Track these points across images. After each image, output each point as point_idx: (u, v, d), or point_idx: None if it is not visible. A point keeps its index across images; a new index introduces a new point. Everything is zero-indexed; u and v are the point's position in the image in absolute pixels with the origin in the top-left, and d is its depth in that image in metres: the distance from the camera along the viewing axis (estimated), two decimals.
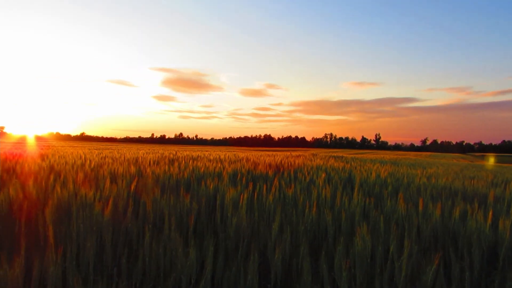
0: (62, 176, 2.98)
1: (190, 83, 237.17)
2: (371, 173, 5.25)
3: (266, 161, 6.66)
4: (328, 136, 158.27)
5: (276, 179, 3.61)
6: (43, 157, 6.34)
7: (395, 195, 3.80)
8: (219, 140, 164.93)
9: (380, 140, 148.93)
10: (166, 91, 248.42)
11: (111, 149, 17.00)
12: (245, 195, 2.53)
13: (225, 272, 1.75)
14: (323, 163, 7.27)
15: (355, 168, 6.46)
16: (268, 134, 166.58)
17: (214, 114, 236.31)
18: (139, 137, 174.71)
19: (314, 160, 8.71)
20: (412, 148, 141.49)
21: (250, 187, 3.23)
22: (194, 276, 1.68)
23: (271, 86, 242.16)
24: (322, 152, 26.33)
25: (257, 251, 2.12)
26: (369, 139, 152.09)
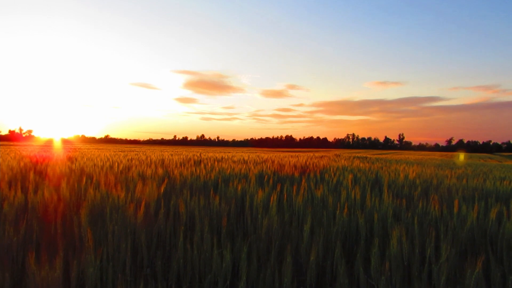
0: (94, 179, 3.04)
1: (212, 85, 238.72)
2: (399, 174, 5.16)
3: (291, 162, 6.63)
4: (350, 137, 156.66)
5: (304, 180, 3.58)
6: (72, 159, 6.49)
7: (425, 197, 3.72)
8: (241, 141, 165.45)
9: (404, 140, 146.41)
10: (188, 93, 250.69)
11: (136, 151, 17.27)
12: (275, 197, 2.52)
13: (259, 274, 1.74)
14: (349, 164, 7.19)
15: (381, 168, 6.36)
16: (289, 135, 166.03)
17: (235, 116, 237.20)
18: (162, 139, 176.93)
19: (339, 161, 8.63)
20: (437, 148, 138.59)
21: (278, 189, 3.22)
22: (229, 278, 1.68)
23: (292, 87, 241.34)
24: (344, 152, 26.06)
25: (290, 253, 2.11)
26: (392, 139, 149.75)
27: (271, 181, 3.68)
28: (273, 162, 6.92)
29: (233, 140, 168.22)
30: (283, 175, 4.70)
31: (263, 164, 6.24)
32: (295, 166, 5.90)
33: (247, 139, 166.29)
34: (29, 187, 2.83)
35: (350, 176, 4.54)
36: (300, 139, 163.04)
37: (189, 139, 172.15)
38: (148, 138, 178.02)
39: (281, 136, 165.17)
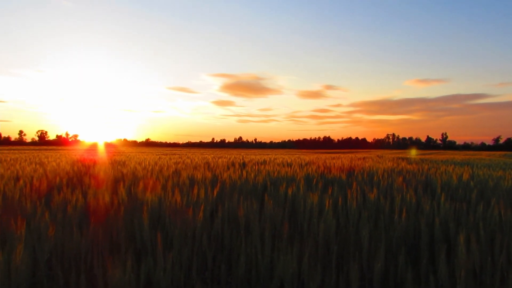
0: (150, 182, 3.12)
1: (248, 87, 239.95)
2: (450, 176, 4.97)
3: (335, 164, 6.55)
4: (390, 137, 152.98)
5: (355, 183, 3.52)
6: (120, 163, 6.70)
7: (482, 199, 3.57)
8: (278, 143, 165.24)
9: (447, 139, 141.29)
10: (225, 96, 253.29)
11: (178, 154, 17.63)
12: (330, 200, 2.49)
13: (324, 279, 1.73)
14: (395, 165, 7.01)
15: (429, 169, 6.16)
16: (327, 136, 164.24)
17: (272, 117, 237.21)
18: (200, 141, 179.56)
19: (384, 162, 8.44)
20: (483, 147, 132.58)
21: (330, 192, 3.18)
22: (296, 283, 1.67)
23: (329, 87, 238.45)
24: (386, 153, 25.45)
25: (354, 258, 2.08)
26: (434, 138, 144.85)
27: (320, 183, 3.65)
28: (316, 164, 6.86)
29: (271, 142, 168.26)
30: (330, 178, 4.64)
31: (308, 166, 6.20)
32: (340, 168, 5.82)
33: (284, 141, 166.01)
34: (88, 191, 2.94)
35: (400, 178, 4.42)
36: (338, 140, 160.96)
37: (227, 141, 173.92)
38: (187, 141, 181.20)
39: (319, 137, 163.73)
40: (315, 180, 3.88)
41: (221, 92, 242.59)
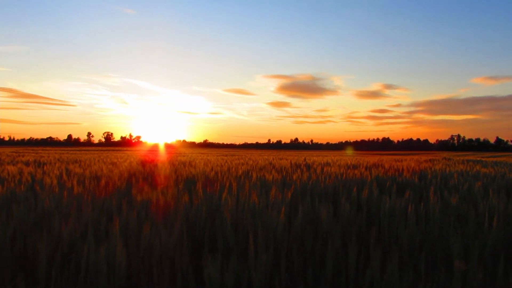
0: (227, 184, 3.18)
1: (304, 88, 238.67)
2: None
3: (403, 166, 6.32)
4: (455, 138, 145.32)
5: (432, 187, 3.37)
6: (186, 164, 6.91)
7: None
8: (335, 144, 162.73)
9: None
10: (281, 97, 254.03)
11: (237, 155, 17.90)
12: (412, 205, 2.39)
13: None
14: (468, 168, 6.64)
15: (508, 173, 5.76)
16: (386, 137, 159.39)
17: (328, 118, 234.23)
18: (257, 142, 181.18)
19: (454, 165, 8.01)
20: None
21: (407, 195, 3.07)
22: None
23: (388, 86, 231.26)
24: (452, 155, 24.18)
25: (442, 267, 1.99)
26: (505, 140, 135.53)
27: (394, 187, 3.53)
28: (383, 166, 6.66)
29: (327, 143, 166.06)
30: (401, 181, 4.48)
31: (375, 168, 6.04)
32: (411, 171, 5.60)
33: (341, 142, 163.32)
34: (167, 191, 3.05)
35: (479, 183, 4.17)
36: (398, 141, 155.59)
37: (283, 142, 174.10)
38: (244, 142, 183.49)
39: (377, 138, 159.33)
40: (388, 183, 3.76)
41: (277, 94, 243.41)
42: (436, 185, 4.20)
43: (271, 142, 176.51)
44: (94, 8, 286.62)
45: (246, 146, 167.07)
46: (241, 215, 2.45)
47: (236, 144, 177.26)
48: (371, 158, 12.68)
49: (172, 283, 1.78)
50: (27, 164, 7.12)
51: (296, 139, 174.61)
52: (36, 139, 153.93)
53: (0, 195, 3.04)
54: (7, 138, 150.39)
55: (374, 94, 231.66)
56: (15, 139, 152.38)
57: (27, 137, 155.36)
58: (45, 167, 5.81)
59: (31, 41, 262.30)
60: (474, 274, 1.68)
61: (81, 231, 2.19)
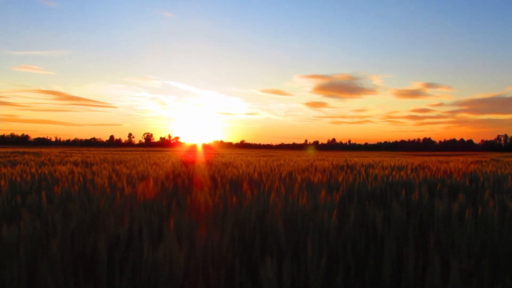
0: (275, 185, 3.18)
1: (342, 88, 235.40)
2: None
3: (452, 168, 6.09)
4: (502, 138, 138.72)
5: (488, 190, 3.22)
6: (228, 165, 6.97)
7: None
8: (373, 144, 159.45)
9: None
10: (318, 97, 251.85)
11: (275, 156, 17.90)
12: (470, 209, 2.30)
13: None
14: None
15: None
16: (427, 137, 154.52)
17: (367, 118, 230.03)
18: (293, 143, 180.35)
19: (504, 167, 7.65)
20: None
21: (460, 199, 2.95)
22: None
23: (430, 85, 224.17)
24: (499, 156, 23.05)
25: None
26: None
27: (446, 190, 3.40)
28: (430, 167, 6.45)
29: (365, 144, 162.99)
30: (451, 183, 4.32)
31: (421, 170, 5.86)
32: (461, 173, 5.39)
33: (380, 142, 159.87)
34: (215, 192, 3.09)
35: None
36: (440, 141, 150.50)
37: (320, 143, 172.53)
38: (280, 143, 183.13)
39: (418, 139, 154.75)
40: (438, 185, 3.63)
41: (314, 94, 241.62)
42: (489, 188, 4.02)
43: (308, 142, 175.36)
44: (135, 13, 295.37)
45: (283, 147, 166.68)
46: (291, 217, 2.44)
47: (272, 145, 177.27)
48: (413, 159, 12.32)
49: (228, 284, 1.79)
50: (75, 164, 7.42)
51: (334, 139, 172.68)
52: (81, 140, 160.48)
53: (56, 195, 3.17)
54: (53, 139, 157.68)
55: (414, 93, 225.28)
56: (61, 139, 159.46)
57: (72, 138, 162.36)
58: (93, 168, 6.03)
59: (75, 46, 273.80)
60: None
61: (136, 231, 2.25)
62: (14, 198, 2.93)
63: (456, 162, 9.23)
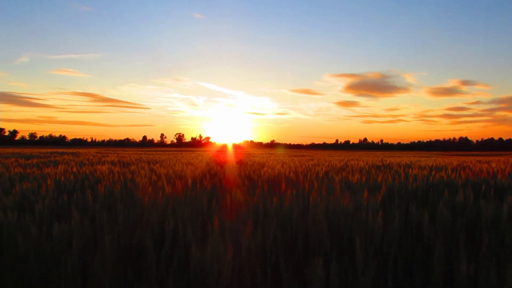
0: (316, 185, 3.17)
1: (373, 87, 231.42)
2: None
3: (495, 168, 5.88)
4: None
5: None
6: (263, 165, 6.98)
7: None
8: (406, 144, 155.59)
9: None
10: (349, 96, 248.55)
11: (307, 155, 17.78)
12: None
13: None
14: None
15: None
16: (463, 136, 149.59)
17: (399, 117, 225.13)
18: (324, 143, 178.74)
19: None
20: None
21: (510, 200, 2.84)
22: None
23: (466, 83, 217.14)
24: None
25: None
26: None
27: (492, 191, 3.29)
28: (469, 168, 6.25)
29: (398, 143, 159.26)
30: (494, 184, 4.17)
31: (462, 170, 5.68)
32: (506, 173, 5.19)
33: (413, 142, 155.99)
34: (255, 192, 3.10)
35: None
36: (477, 141, 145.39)
37: (351, 142, 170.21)
38: (311, 143, 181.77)
39: (453, 138, 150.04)
40: (483, 186, 3.51)
41: (345, 93, 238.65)
42: None
43: (338, 142, 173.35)
44: (166, 15, 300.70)
45: (313, 147, 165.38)
46: (333, 217, 2.42)
47: (303, 145, 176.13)
48: (450, 159, 11.97)
49: (274, 283, 1.79)
50: (113, 164, 7.63)
51: (365, 139, 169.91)
52: (115, 140, 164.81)
53: (100, 193, 3.27)
54: (89, 140, 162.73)
55: (449, 91, 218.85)
56: (96, 140, 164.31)
57: (106, 139, 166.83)
58: (130, 167, 6.18)
59: (109, 49, 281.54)
60: None
61: (180, 229, 2.29)
62: (61, 197, 3.04)
63: (498, 162, 8.89)
